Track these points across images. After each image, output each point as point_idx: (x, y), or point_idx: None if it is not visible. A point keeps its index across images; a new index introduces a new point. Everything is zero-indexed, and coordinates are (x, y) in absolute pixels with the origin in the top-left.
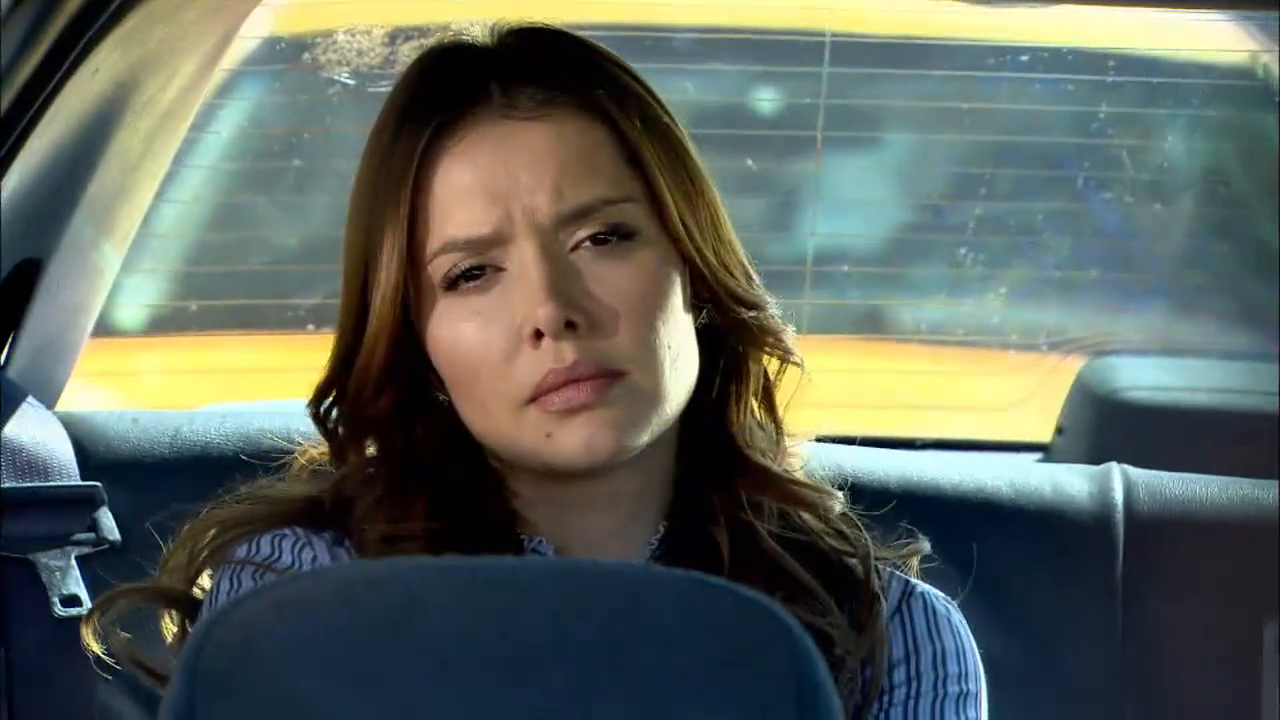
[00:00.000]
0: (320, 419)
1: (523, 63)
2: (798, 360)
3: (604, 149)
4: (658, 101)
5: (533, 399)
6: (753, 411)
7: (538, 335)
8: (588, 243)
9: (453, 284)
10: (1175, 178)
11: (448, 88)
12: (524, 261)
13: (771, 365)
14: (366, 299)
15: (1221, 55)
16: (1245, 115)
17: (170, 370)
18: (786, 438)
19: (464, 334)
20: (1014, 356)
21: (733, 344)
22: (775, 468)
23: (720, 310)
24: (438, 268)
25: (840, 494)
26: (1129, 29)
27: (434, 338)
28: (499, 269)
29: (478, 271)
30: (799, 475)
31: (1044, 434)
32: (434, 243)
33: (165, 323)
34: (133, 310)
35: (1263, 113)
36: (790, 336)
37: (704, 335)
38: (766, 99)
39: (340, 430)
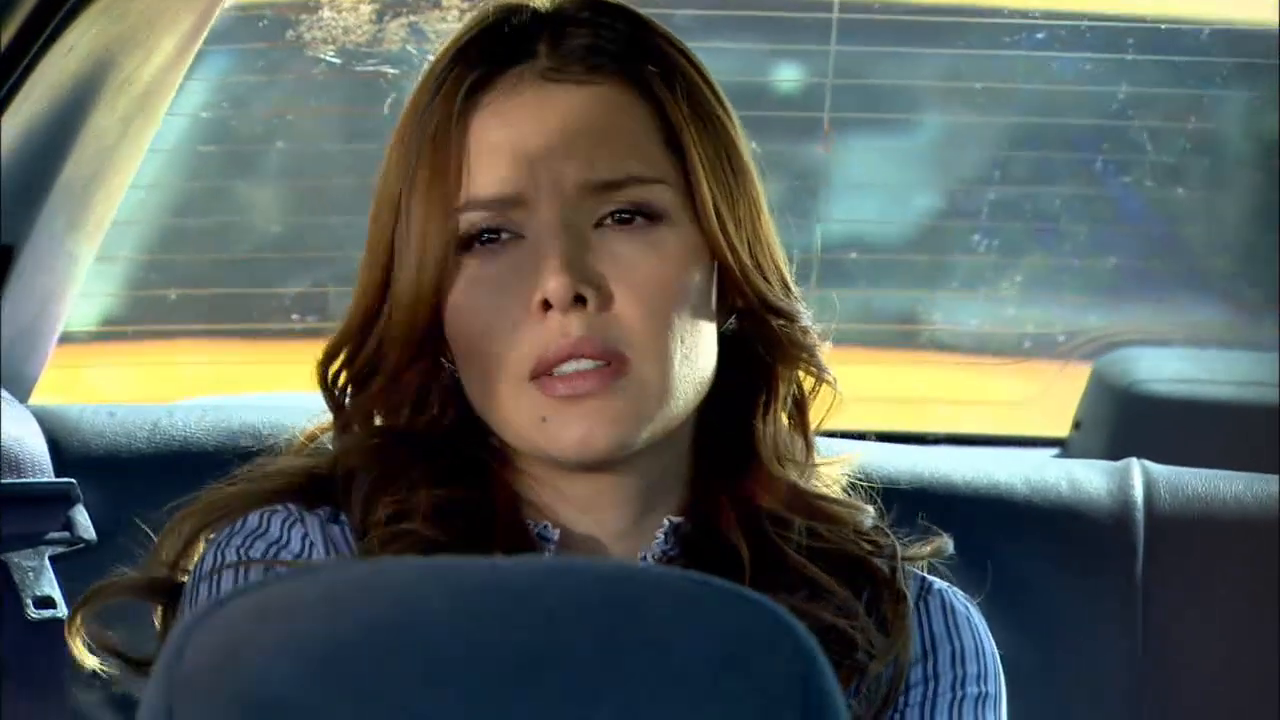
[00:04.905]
0: (328, 384)
1: (576, 28)
2: (830, 379)
3: (644, 126)
4: (713, 90)
5: (535, 376)
6: (784, 424)
7: (546, 306)
8: (611, 218)
9: (468, 244)
10: (1198, 160)
11: (496, 43)
12: (542, 228)
13: (807, 380)
14: (393, 253)
15: (1247, 27)
16: (1272, 93)
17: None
18: (816, 451)
19: (474, 298)
20: (1028, 359)
21: (760, 353)
22: (802, 483)
23: (749, 317)
24: (457, 225)
25: (871, 509)
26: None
27: (444, 299)
28: (518, 236)
29: (496, 234)
30: (833, 490)
31: (1061, 428)
32: (457, 199)
33: (140, 316)
34: (100, 301)
35: None
36: (823, 352)
37: (735, 342)
38: (787, 79)
39: (347, 398)
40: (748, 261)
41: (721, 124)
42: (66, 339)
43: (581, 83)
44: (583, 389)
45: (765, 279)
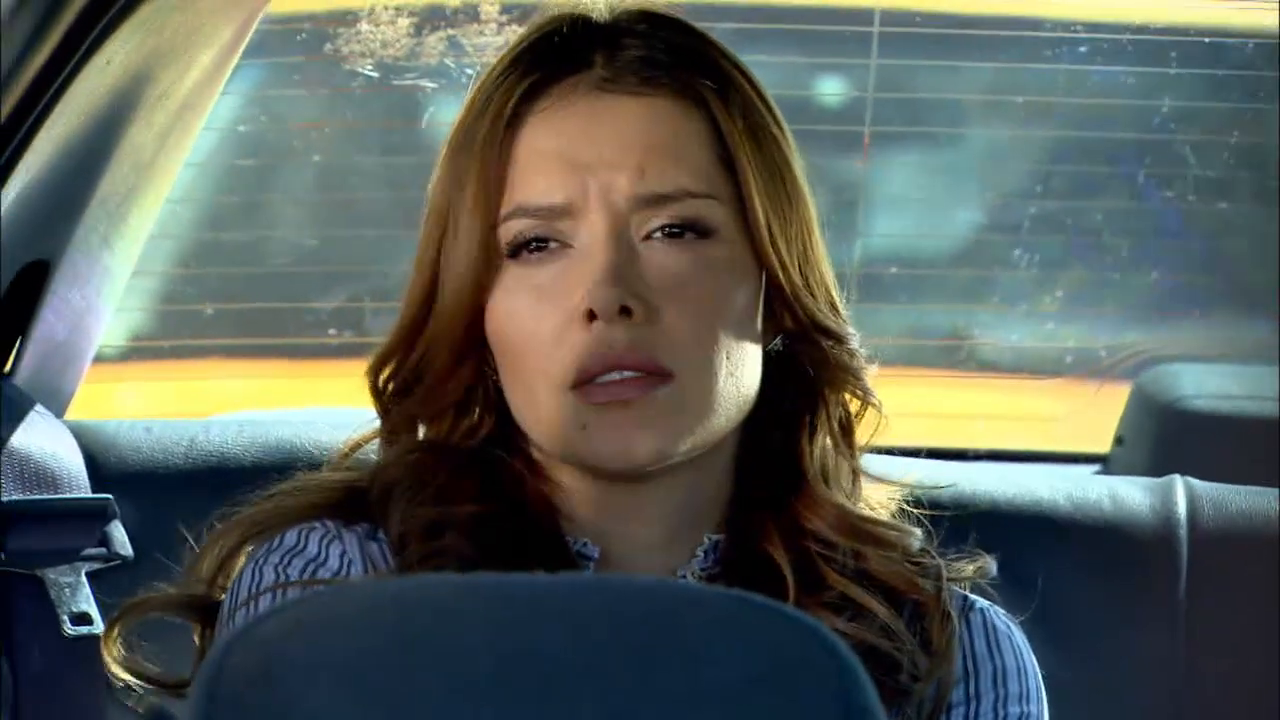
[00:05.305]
0: (378, 391)
1: (632, 40)
2: (876, 403)
3: (697, 140)
4: (768, 107)
5: (576, 384)
6: (829, 446)
7: (591, 316)
8: (660, 232)
9: (516, 252)
10: (1241, 174)
11: (551, 51)
12: (591, 238)
13: (853, 402)
14: (440, 260)
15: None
16: None
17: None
18: (864, 473)
19: (519, 306)
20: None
21: (807, 374)
22: (848, 504)
23: (797, 337)
24: (505, 233)
25: (919, 532)
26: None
27: (490, 307)
28: (566, 245)
29: (544, 243)
30: (880, 513)
31: (1102, 444)
32: (506, 206)
33: (173, 331)
34: (131, 316)
35: None
36: (870, 375)
37: (783, 362)
38: (828, 93)
39: (395, 406)
40: (798, 280)
41: (775, 141)
42: (97, 356)
43: (636, 94)
44: (623, 396)
45: (814, 296)
